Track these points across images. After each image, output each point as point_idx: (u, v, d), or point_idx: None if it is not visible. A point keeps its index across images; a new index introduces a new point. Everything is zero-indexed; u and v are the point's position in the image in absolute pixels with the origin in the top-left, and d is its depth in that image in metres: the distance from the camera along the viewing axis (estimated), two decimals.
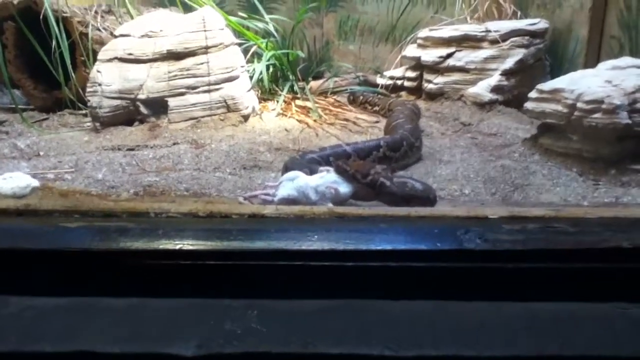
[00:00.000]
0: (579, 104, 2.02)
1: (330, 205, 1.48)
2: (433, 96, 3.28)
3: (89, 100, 2.65)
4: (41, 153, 2.30)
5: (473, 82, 3.13)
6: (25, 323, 0.98)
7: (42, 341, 0.94)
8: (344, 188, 1.53)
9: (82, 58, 2.95)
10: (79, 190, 1.69)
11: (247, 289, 1.06)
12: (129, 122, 2.67)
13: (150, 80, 2.65)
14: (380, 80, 3.58)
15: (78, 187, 1.79)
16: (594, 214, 1.23)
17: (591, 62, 2.95)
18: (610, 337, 0.98)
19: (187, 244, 1.07)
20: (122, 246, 1.07)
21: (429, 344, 0.94)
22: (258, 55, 3.25)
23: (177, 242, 1.07)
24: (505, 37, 3.17)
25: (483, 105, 2.99)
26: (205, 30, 2.75)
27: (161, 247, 1.07)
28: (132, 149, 2.32)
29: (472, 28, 3.30)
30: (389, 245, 1.09)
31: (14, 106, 2.86)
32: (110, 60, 2.70)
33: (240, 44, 3.04)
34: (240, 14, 3.49)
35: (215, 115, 2.68)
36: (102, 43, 2.93)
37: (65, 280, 1.07)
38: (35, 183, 1.58)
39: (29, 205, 1.26)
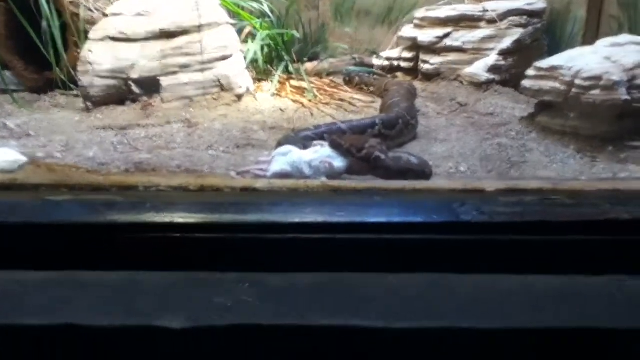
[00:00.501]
0: (577, 81, 2.00)
1: (324, 179, 1.45)
2: (429, 77, 3.24)
3: (80, 80, 2.62)
4: (31, 133, 2.27)
5: (470, 62, 3.09)
6: (12, 297, 0.96)
7: (30, 315, 0.92)
8: (339, 162, 1.51)
9: (74, 38, 2.91)
10: (68, 165, 1.66)
11: (238, 262, 1.03)
12: (121, 102, 2.63)
13: (142, 59, 2.61)
14: (376, 62, 3.55)
15: (68, 163, 1.76)
16: (593, 187, 1.22)
17: (589, 42, 2.91)
18: (608, 309, 0.96)
19: (177, 217, 1.05)
20: (110, 220, 1.05)
21: (424, 316, 0.92)
22: (253, 36, 3.20)
23: (166, 215, 1.05)
24: (503, 16, 3.12)
25: (480, 85, 2.96)
26: (198, 9, 2.71)
27: (150, 220, 1.05)
28: (124, 129, 2.29)
29: (469, 8, 3.26)
30: (383, 218, 1.07)
31: (4, 87, 2.81)
32: (102, 39, 2.66)
33: (234, 24, 3.00)
34: None
35: (208, 94, 2.65)
36: (93, 23, 2.88)
37: (52, 254, 1.04)
38: (24, 159, 1.55)
39: (16, 179, 1.24)
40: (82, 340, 0.89)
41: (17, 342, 0.92)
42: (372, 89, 3.08)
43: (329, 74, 3.44)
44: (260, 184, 1.23)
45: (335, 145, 1.54)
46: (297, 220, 1.06)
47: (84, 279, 1.00)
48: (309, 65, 3.48)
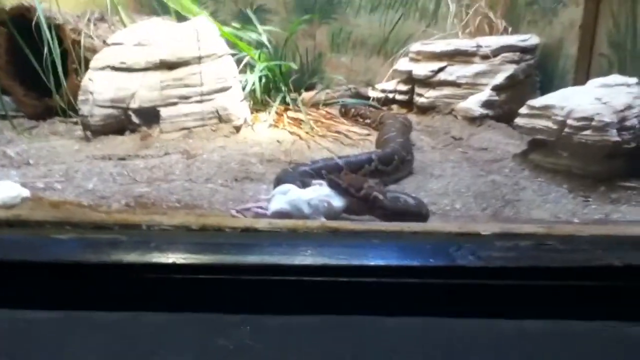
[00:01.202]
0: (569, 121, 2.04)
1: (323, 219, 1.48)
2: (424, 110, 3.30)
3: (80, 109, 2.64)
4: (31, 161, 2.28)
5: (464, 97, 3.15)
6: (15, 336, 0.97)
7: (33, 355, 0.93)
8: (337, 202, 1.53)
9: (74, 66, 2.94)
10: (70, 201, 1.68)
11: (240, 303, 1.05)
12: (120, 132, 2.66)
13: (142, 89, 2.64)
14: (371, 93, 3.60)
15: (69, 197, 1.78)
16: (586, 232, 1.25)
17: (580, 79, 2.99)
18: (601, 354, 0.99)
19: (180, 258, 1.07)
20: (114, 259, 1.07)
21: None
22: (251, 66, 3.25)
23: (169, 256, 1.07)
24: (496, 52, 3.20)
25: (474, 120, 3.01)
26: (198, 40, 2.76)
27: (153, 260, 1.07)
28: (123, 159, 2.30)
29: (463, 43, 3.33)
30: (382, 261, 1.10)
31: (3, 113, 2.84)
32: (102, 68, 2.69)
33: (233, 55, 3.04)
34: (233, 24, 3.49)
35: (207, 125, 2.68)
36: (94, 51, 2.92)
37: (56, 293, 1.06)
38: (26, 193, 1.57)
39: (20, 215, 1.25)
40: None
41: None
42: (367, 121, 3.12)
43: (325, 105, 3.48)
44: (260, 224, 1.25)
45: (333, 185, 1.56)
46: (297, 262, 1.08)
47: (88, 319, 1.01)
48: (306, 96, 3.53)
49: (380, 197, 1.53)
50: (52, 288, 1.06)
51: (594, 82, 2.35)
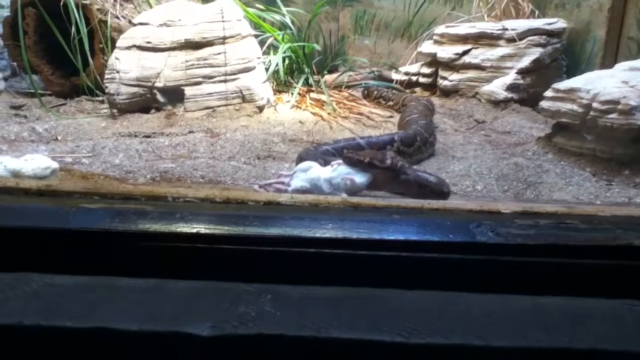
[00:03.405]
0: (595, 104, 2.02)
1: (344, 195, 1.49)
2: (448, 93, 3.29)
3: (106, 87, 2.69)
4: (59, 137, 2.34)
5: (488, 80, 3.13)
6: (47, 299, 1.01)
7: (63, 317, 0.96)
8: (360, 178, 1.53)
9: (101, 45, 2.99)
10: (98, 174, 1.72)
11: (261, 274, 1.07)
12: (146, 110, 2.70)
13: (167, 68, 2.68)
14: (395, 76, 3.59)
15: (96, 171, 1.82)
16: (607, 212, 1.24)
17: (608, 63, 2.94)
18: (618, 332, 0.99)
19: (204, 228, 1.10)
20: (140, 228, 1.10)
21: (439, 332, 0.95)
22: (274, 48, 3.27)
23: (194, 226, 1.10)
24: (522, 35, 3.16)
25: (498, 103, 3.00)
26: (223, 21, 2.78)
27: (178, 230, 1.09)
28: (149, 136, 2.35)
29: (489, 26, 3.30)
30: (401, 236, 1.11)
31: (32, 91, 2.90)
32: (128, 48, 2.73)
33: (256, 36, 3.06)
34: (257, 5, 3.50)
35: (230, 105, 2.71)
36: (120, 31, 2.96)
37: (85, 260, 1.09)
38: (55, 165, 1.61)
39: (51, 186, 1.29)
40: (113, 343, 0.94)
41: (49, 342, 0.96)
42: (390, 103, 3.12)
43: (347, 87, 3.49)
44: (283, 198, 1.27)
45: (352, 162, 1.55)
46: (318, 235, 1.10)
47: (115, 285, 1.04)
48: (329, 78, 3.53)
49: (407, 165, 1.54)
50: (80, 254, 1.09)
51: (621, 66, 2.32)
